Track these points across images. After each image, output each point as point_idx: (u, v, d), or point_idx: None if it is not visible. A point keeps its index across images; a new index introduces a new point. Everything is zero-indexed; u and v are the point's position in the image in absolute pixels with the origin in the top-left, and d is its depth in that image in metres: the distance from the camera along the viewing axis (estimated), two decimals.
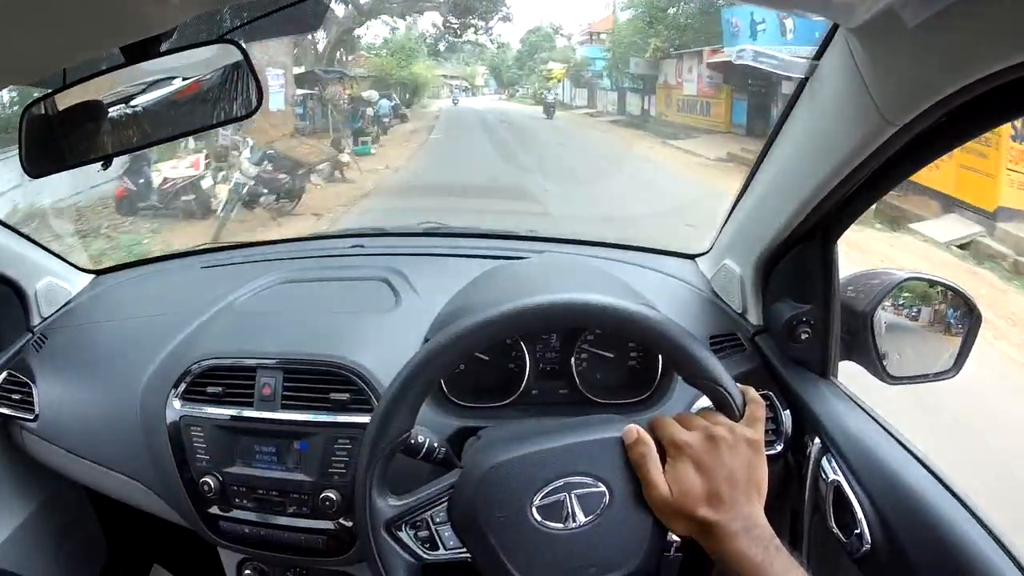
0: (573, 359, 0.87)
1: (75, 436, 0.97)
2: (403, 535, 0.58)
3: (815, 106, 0.68)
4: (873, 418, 0.76)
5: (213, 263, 1.23)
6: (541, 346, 0.88)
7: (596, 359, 0.89)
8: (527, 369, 0.85)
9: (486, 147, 10.82)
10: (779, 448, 0.81)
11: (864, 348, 0.83)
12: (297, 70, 10.85)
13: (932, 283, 0.86)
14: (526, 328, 0.69)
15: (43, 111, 0.64)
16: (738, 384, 0.62)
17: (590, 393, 0.86)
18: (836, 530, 0.72)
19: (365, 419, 0.80)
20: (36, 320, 1.11)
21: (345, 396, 0.83)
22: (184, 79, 0.65)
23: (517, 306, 0.60)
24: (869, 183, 0.67)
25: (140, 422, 0.90)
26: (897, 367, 0.84)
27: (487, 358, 0.88)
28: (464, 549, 0.58)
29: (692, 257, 1.08)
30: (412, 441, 0.61)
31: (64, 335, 1.08)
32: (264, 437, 0.84)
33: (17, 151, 0.63)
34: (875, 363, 0.83)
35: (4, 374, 1.04)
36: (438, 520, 0.58)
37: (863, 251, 4.27)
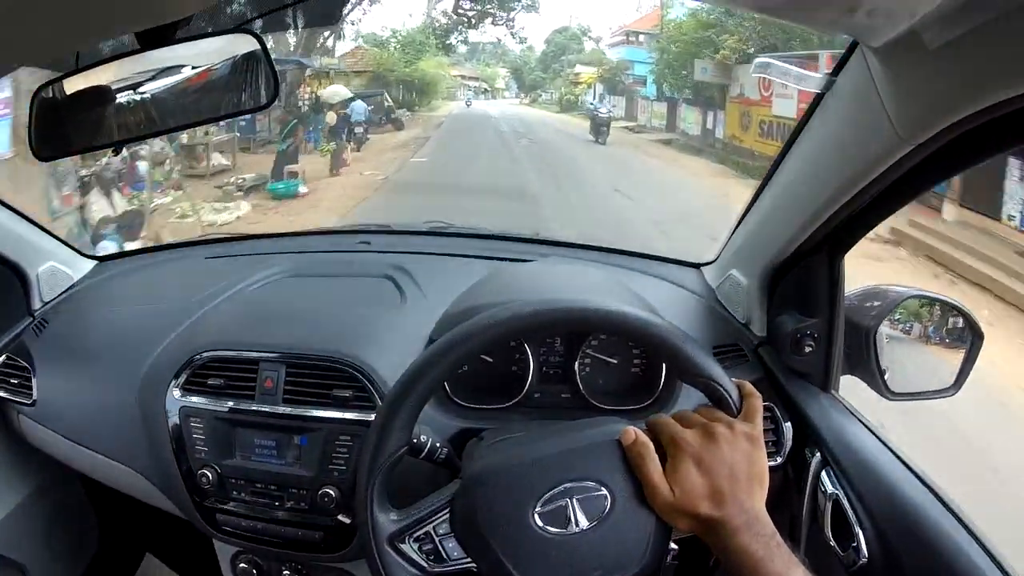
0: (576, 363, 0.87)
1: (73, 423, 0.97)
2: (407, 548, 0.58)
3: (830, 121, 0.69)
4: (873, 433, 0.77)
5: (217, 254, 1.22)
6: (545, 349, 0.88)
7: (599, 364, 0.89)
8: (530, 372, 0.85)
9: (493, 192, 6.37)
10: (779, 460, 0.81)
11: (866, 363, 0.83)
12: None
13: (935, 301, 0.87)
14: (521, 334, 0.70)
15: (51, 94, 0.64)
16: (734, 379, 0.62)
17: (593, 398, 0.86)
18: (833, 543, 0.73)
19: (367, 416, 0.80)
20: (37, 304, 1.10)
21: (348, 393, 0.83)
22: (194, 67, 0.64)
23: (504, 313, 0.60)
24: (879, 200, 0.68)
25: (139, 411, 0.89)
26: (898, 383, 0.84)
27: (491, 360, 0.88)
28: (469, 560, 0.58)
29: (698, 266, 1.09)
30: (415, 440, 0.61)
31: (65, 320, 1.07)
32: (264, 431, 0.84)
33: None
34: (876, 378, 0.83)
35: (3, 357, 1.04)
36: (441, 532, 0.58)
37: None
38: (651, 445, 0.58)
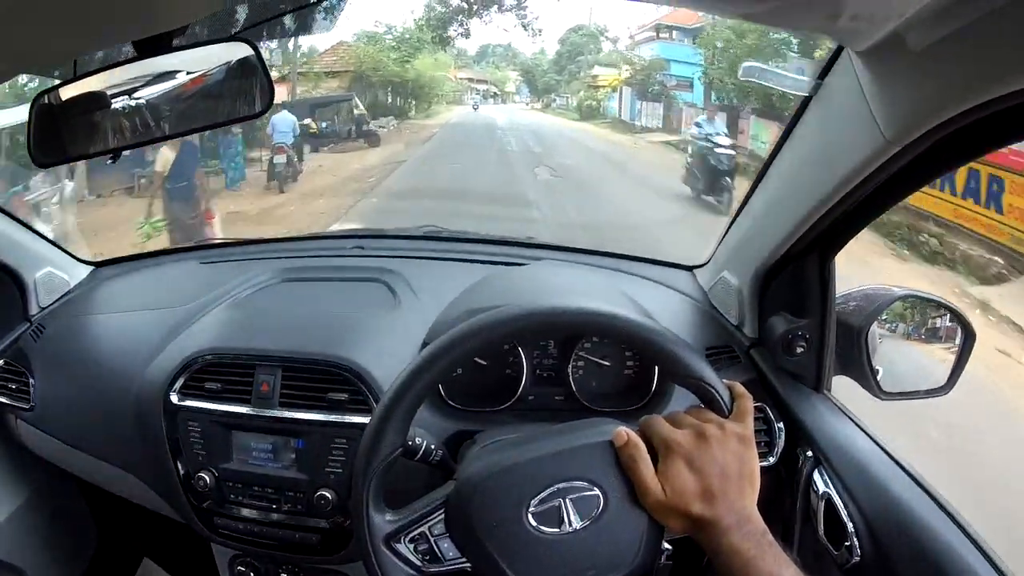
0: (570, 366, 0.87)
1: (70, 427, 0.97)
2: (402, 548, 0.58)
3: (817, 124, 0.69)
4: (865, 432, 0.78)
5: (212, 259, 1.23)
6: (538, 352, 0.89)
7: (593, 367, 0.89)
8: (524, 375, 0.86)
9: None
10: (772, 460, 0.82)
11: (858, 363, 0.84)
12: None
13: (927, 301, 0.88)
14: (514, 337, 0.70)
15: (49, 102, 0.64)
16: (725, 380, 0.62)
17: (586, 400, 0.87)
18: (826, 542, 0.73)
19: (363, 419, 0.80)
20: (34, 309, 1.11)
21: (343, 396, 0.83)
22: (188, 73, 0.65)
23: (498, 316, 0.60)
24: (868, 201, 0.68)
25: (136, 416, 0.90)
26: (890, 383, 0.85)
27: (485, 363, 0.88)
28: (464, 560, 0.58)
29: (690, 269, 1.09)
30: (409, 443, 0.62)
31: (62, 325, 1.08)
32: (261, 434, 0.84)
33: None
34: (868, 378, 0.84)
35: (1, 362, 1.04)
36: (436, 533, 0.58)
37: None
38: (643, 446, 0.58)
